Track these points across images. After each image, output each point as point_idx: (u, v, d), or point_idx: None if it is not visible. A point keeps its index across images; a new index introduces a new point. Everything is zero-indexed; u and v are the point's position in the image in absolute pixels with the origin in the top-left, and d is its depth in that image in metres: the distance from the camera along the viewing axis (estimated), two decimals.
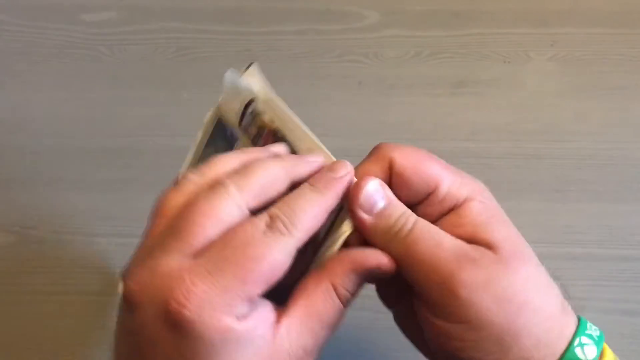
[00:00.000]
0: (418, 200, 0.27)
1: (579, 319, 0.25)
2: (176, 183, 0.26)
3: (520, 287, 0.24)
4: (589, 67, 0.51)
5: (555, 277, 0.26)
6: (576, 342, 0.24)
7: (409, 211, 0.26)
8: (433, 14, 0.53)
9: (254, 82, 0.33)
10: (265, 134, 0.32)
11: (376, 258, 0.26)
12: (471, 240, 0.25)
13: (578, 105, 0.49)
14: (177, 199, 0.26)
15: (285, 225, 0.24)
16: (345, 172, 0.27)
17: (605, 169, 0.47)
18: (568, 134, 0.48)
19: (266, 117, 0.32)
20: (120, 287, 0.26)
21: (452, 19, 0.53)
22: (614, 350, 0.25)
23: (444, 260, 0.25)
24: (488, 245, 0.25)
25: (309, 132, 0.29)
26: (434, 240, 0.25)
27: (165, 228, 0.25)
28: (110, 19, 0.53)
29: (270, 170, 0.26)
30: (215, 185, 0.25)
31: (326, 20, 0.53)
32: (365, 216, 0.26)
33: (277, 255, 0.24)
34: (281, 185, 0.26)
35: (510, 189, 0.46)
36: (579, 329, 0.25)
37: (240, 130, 0.34)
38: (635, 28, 0.52)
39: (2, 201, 0.47)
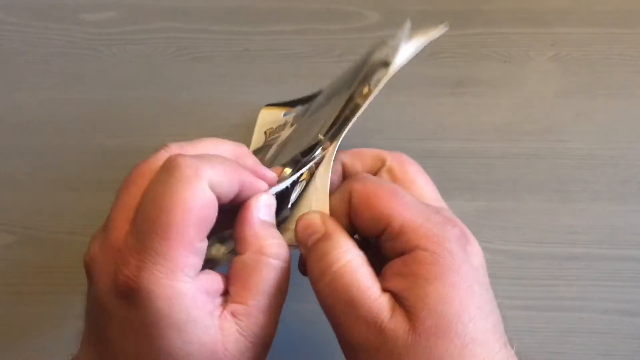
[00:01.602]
0: (376, 235, 0.26)
1: None
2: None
3: None
4: (589, 67, 0.51)
5: (513, 339, 0.24)
6: None
7: (348, 250, 0.25)
8: (433, 14, 0.53)
9: (406, 52, 0.29)
10: (352, 103, 0.29)
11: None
12: (403, 297, 0.24)
13: (578, 105, 0.49)
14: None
15: (191, 166, 0.24)
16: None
17: (605, 169, 0.47)
18: (568, 134, 0.48)
19: (366, 90, 0.29)
20: None
21: (452, 19, 0.53)
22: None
23: (356, 324, 0.24)
24: (410, 312, 0.23)
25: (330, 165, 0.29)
26: (354, 295, 0.24)
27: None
28: (110, 19, 0.53)
29: (223, 160, 0.27)
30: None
31: (326, 20, 0.52)
32: (301, 248, 0.27)
33: (188, 197, 0.24)
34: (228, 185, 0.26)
35: (510, 189, 0.46)
36: None
37: (358, 83, 0.30)
38: (635, 28, 0.52)
39: (2, 201, 0.47)
